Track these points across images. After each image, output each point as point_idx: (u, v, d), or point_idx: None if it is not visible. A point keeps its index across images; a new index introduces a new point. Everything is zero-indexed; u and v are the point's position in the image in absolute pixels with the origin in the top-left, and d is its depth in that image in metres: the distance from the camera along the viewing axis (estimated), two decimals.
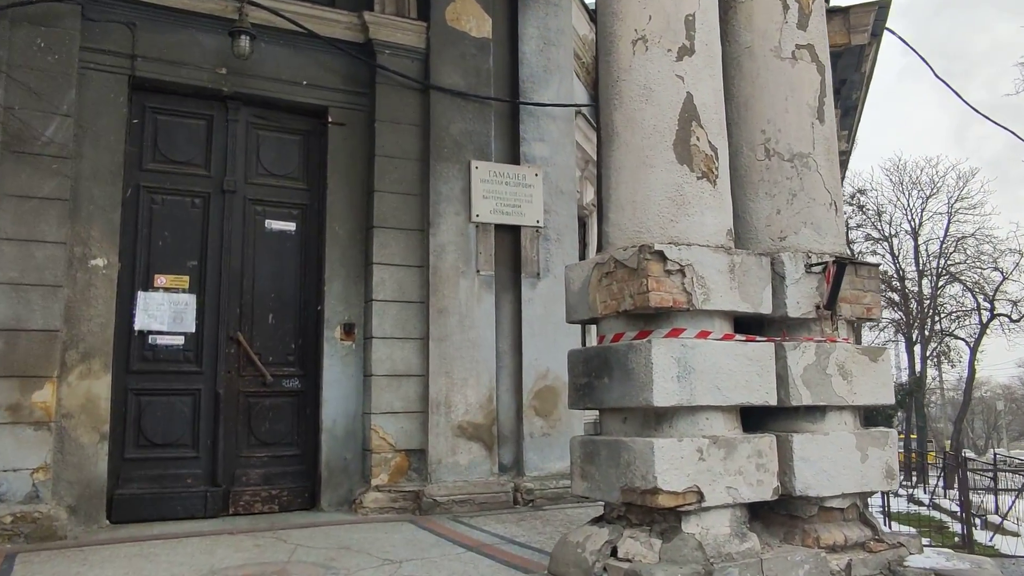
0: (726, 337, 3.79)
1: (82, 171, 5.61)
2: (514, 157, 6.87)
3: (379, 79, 6.48)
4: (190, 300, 5.95)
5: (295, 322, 6.27)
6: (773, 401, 3.85)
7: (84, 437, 5.41)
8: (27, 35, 5.42)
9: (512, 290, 6.69)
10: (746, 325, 3.99)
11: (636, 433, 3.74)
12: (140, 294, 5.82)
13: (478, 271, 6.45)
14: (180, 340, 5.90)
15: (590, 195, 8.67)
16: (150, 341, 5.82)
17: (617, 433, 3.86)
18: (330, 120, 6.46)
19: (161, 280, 5.89)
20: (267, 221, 6.29)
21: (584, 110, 7.91)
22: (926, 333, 30.49)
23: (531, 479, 6.42)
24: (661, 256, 3.65)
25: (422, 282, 6.35)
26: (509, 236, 6.75)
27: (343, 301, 6.29)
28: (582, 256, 7.98)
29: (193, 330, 5.93)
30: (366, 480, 6.08)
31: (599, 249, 4.23)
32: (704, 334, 3.73)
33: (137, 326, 5.77)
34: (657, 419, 3.68)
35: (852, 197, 30.02)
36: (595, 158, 8.64)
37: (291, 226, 6.36)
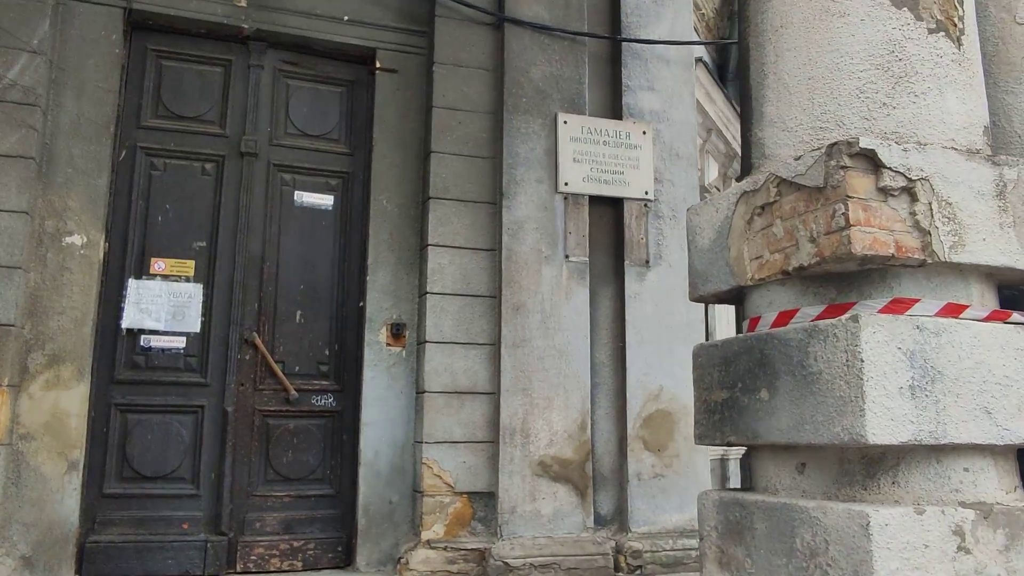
0: (994, 316, 2.07)
1: (59, 125, 4.41)
2: (614, 110, 5.28)
3: (439, 12, 5.04)
4: (195, 291, 4.63)
5: (330, 321, 4.86)
6: None
7: (47, 465, 4.14)
8: None
9: (612, 282, 5.07)
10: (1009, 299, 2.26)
11: (826, 493, 2.07)
12: (131, 282, 4.54)
13: (567, 256, 4.88)
14: (181, 342, 4.58)
15: (713, 173, 6.96)
16: (142, 343, 4.53)
17: (787, 491, 2.19)
18: (378, 66, 5.07)
19: (159, 265, 4.61)
20: (297, 193, 4.93)
21: (705, 57, 6.24)
22: None
23: (639, 537, 4.74)
24: (870, 161, 1.99)
25: (492, 270, 4.83)
26: (608, 212, 5.15)
27: (391, 295, 4.85)
28: None
29: (198, 329, 4.61)
30: (415, 532, 4.56)
31: (743, 175, 2.57)
32: (955, 309, 2.02)
33: (126, 323, 4.50)
34: (869, 468, 1.99)
35: None
36: (719, 125, 6.95)
37: (327, 199, 4.99)
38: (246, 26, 4.85)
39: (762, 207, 2.23)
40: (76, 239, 4.35)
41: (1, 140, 4.15)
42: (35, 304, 4.22)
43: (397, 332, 4.78)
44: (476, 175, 4.92)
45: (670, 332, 5.03)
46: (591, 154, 5.06)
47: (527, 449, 4.62)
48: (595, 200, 5.06)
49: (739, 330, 2.55)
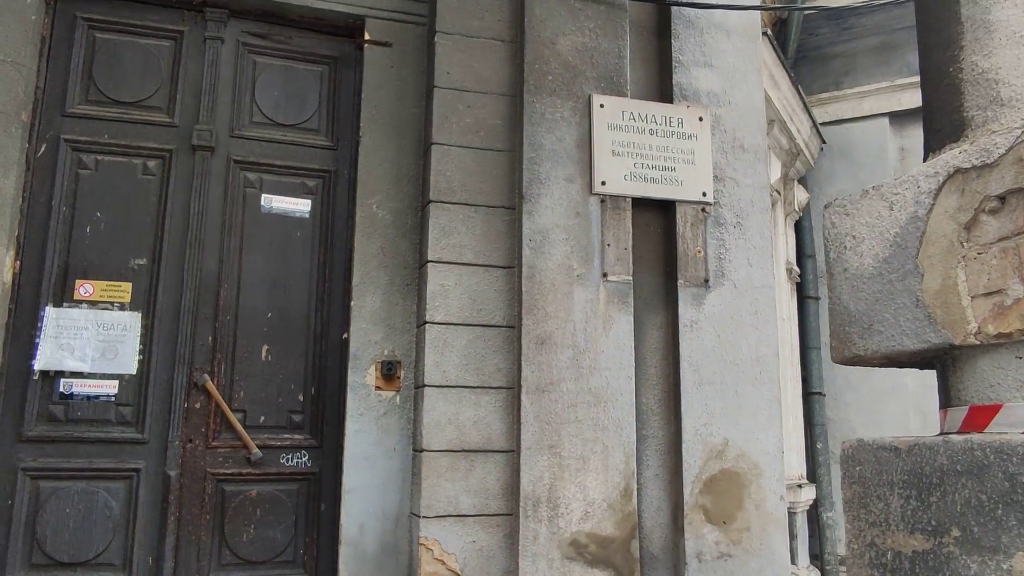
0: None
1: None
2: (663, 91, 4.23)
3: None
4: (132, 321, 3.63)
5: (305, 359, 3.84)
6: None
7: None
8: None
9: (662, 308, 4.01)
10: None
11: None
12: (49, 311, 3.55)
13: (605, 275, 3.83)
14: (112, 387, 3.58)
15: (776, 173, 5.86)
16: (61, 388, 3.53)
17: None
18: (368, 38, 4.07)
19: (86, 289, 3.62)
20: (265, 197, 3.92)
21: (769, 30, 5.14)
22: None
23: None
24: None
25: (510, 293, 3.79)
26: (657, 218, 4.09)
27: (382, 324, 3.82)
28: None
29: (134, 371, 3.61)
30: None
31: (941, 144, 1.51)
32: None
33: (40, 363, 3.50)
34: None
35: None
36: (783, 115, 5.87)
37: (303, 204, 3.97)
38: None
39: (1001, 197, 1.20)
40: None
41: None
42: None
43: (389, 372, 3.75)
44: (489, 172, 3.89)
45: (736, 370, 3.95)
46: (635, 146, 4.01)
47: (555, 524, 3.56)
48: (640, 203, 4.00)
49: (946, 425, 1.48)
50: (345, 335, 3.82)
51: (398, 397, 3.76)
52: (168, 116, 3.85)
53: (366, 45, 4.05)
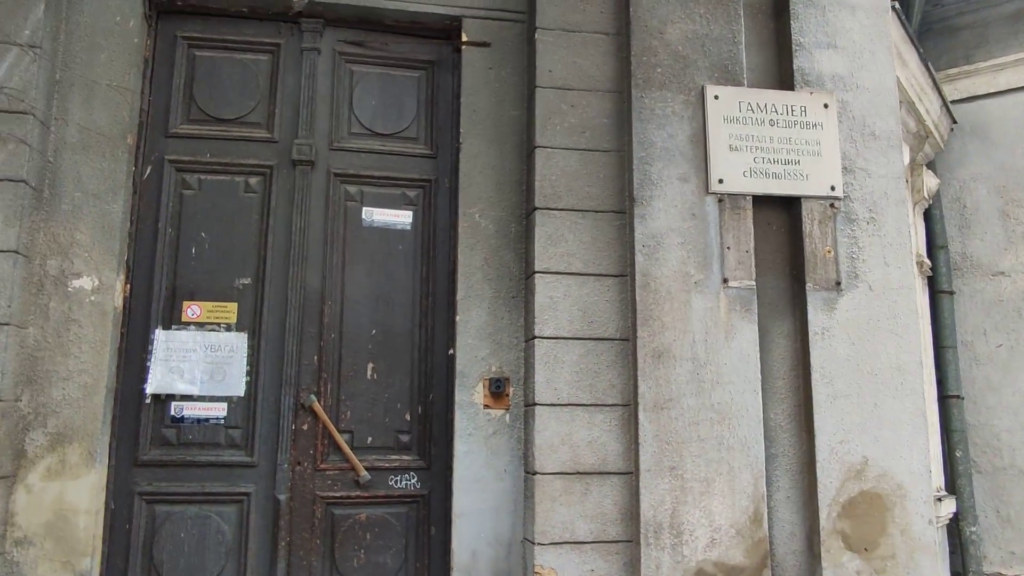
0: None
1: (63, 137, 3.47)
2: (783, 77, 3.89)
3: None
4: (238, 342, 3.59)
5: (411, 377, 3.72)
6: None
7: None
8: None
9: (789, 314, 3.69)
10: None
11: None
12: (158, 333, 3.55)
13: (725, 281, 3.54)
14: (221, 410, 3.55)
15: (905, 158, 5.37)
16: (172, 411, 3.52)
17: None
18: (465, 39, 3.90)
19: (193, 310, 3.60)
20: (366, 210, 3.82)
21: (896, 3, 4.69)
22: None
23: None
24: None
25: (622, 303, 3.55)
26: (780, 217, 3.76)
27: (488, 340, 3.65)
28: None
29: (242, 392, 3.57)
30: None
31: None
32: None
33: (151, 387, 3.50)
34: None
35: None
36: (912, 96, 5.39)
37: (405, 216, 3.85)
38: (295, 0, 3.79)
39: None
40: (85, 282, 3.39)
41: None
42: (34, 369, 3.28)
43: (497, 390, 3.58)
44: (596, 175, 3.66)
45: (874, 381, 3.59)
46: (754, 139, 3.70)
47: (679, 552, 3.31)
48: (761, 201, 3.69)
49: None
50: (451, 351, 3.67)
51: (507, 416, 3.59)
52: (268, 131, 3.79)
53: (464, 47, 3.89)
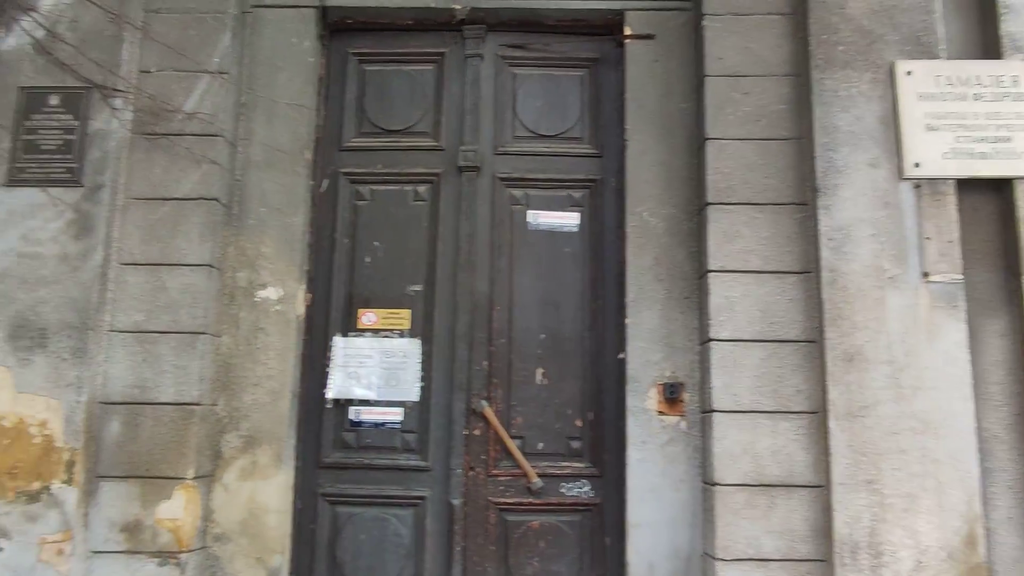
0: None
1: (249, 156, 3.68)
2: (986, 45, 3.47)
3: None
4: (412, 348, 3.66)
5: (580, 381, 3.63)
6: None
7: (244, 575, 3.37)
8: None
9: (1005, 311, 3.26)
10: None
11: None
12: (337, 340, 3.68)
13: (925, 275, 3.19)
14: (397, 414, 3.62)
15: None
16: (351, 416, 3.64)
17: None
18: (628, 33, 3.78)
19: (368, 317, 3.70)
20: (531, 213, 3.78)
21: None
22: None
23: None
24: None
25: (807, 302, 3.28)
26: (989, 201, 3.35)
27: (661, 343, 3.49)
28: None
29: (416, 397, 3.62)
30: None
31: None
32: None
33: (332, 392, 3.63)
34: None
35: None
36: None
37: (571, 218, 3.77)
38: (458, 7, 3.81)
39: None
40: (271, 292, 3.56)
41: (179, 181, 3.47)
42: (228, 375, 3.49)
43: (672, 395, 3.42)
44: (774, 166, 3.42)
45: None
46: (955, 116, 3.32)
47: (879, 575, 3.01)
48: (966, 185, 3.30)
49: None
50: (621, 355, 3.55)
51: (683, 422, 3.42)
52: (434, 140, 3.84)
53: (627, 41, 3.76)
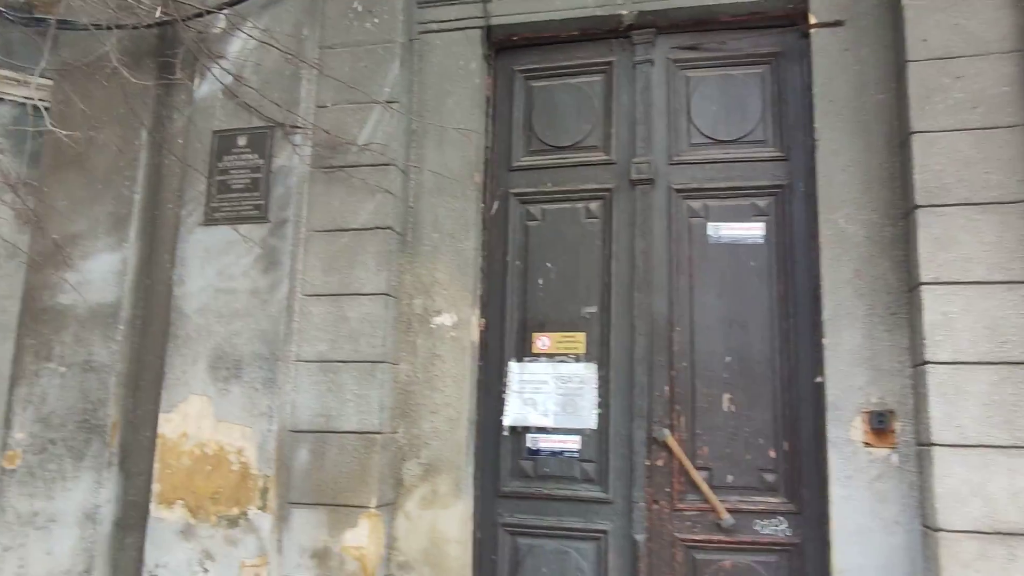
0: None
1: (421, 183, 3.69)
2: None
3: None
4: (587, 373, 3.51)
5: (772, 408, 3.32)
6: None
7: None
8: (344, 0, 3.77)
9: None
10: None
11: None
12: (512, 365, 3.60)
13: None
14: (575, 443, 3.49)
15: None
16: (528, 444, 3.54)
17: None
18: (814, 22, 3.42)
19: (543, 341, 3.59)
20: (711, 225, 3.51)
21: None
22: None
23: None
24: None
25: None
26: None
27: (864, 365, 3.10)
28: None
29: (594, 425, 3.46)
30: None
31: None
32: None
33: (509, 419, 3.55)
34: None
35: None
36: None
37: (755, 229, 3.47)
38: (624, 12, 3.62)
39: None
40: (445, 319, 3.55)
41: (356, 212, 3.53)
42: (407, 402, 3.51)
43: (880, 425, 3.03)
44: (996, 158, 2.95)
45: None
46: None
47: None
48: None
49: None
50: (818, 379, 3.20)
51: (894, 456, 3.02)
52: (605, 153, 3.68)
53: (812, 30, 3.41)
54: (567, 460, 3.47)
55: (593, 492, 3.42)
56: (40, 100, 3.35)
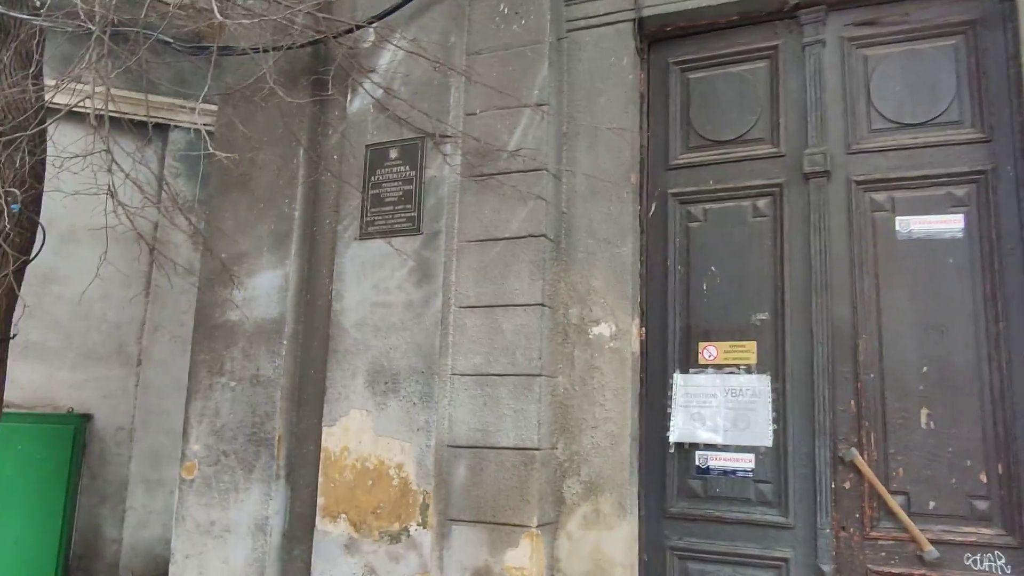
0: None
1: (573, 187, 3.54)
2: None
3: None
4: (760, 386, 3.22)
5: (981, 425, 2.90)
6: None
7: None
8: (489, 3, 3.68)
9: None
10: None
11: None
12: (677, 378, 3.37)
13: None
14: (748, 461, 3.21)
15: None
16: (698, 462, 3.30)
17: None
18: None
19: (709, 351, 3.34)
20: (900, 220, 3.13)
21: None
22: None
23: None
24: None
25: None
26: None
27: None
28: None
29: (769, 443, 3.18)
30: None
31: None
32: None
33: (675, 435, 3.33)
34: None
35: None
36: None
37: (954, 221, 3.05)
38: None
39: None
40: (603, 328, 3.37)
41: (508, 220, 3.42)
42: (565, 417, 3.36)
43: None
44: None
45: None
46: None
47: None
48: None
49: None
50: None
51: None
52: (772, 145, 3.38)
53: None
54: (740, 480, 3.20)
55: (771, 516, 3.13)
56: (204, 125, 3.47)
